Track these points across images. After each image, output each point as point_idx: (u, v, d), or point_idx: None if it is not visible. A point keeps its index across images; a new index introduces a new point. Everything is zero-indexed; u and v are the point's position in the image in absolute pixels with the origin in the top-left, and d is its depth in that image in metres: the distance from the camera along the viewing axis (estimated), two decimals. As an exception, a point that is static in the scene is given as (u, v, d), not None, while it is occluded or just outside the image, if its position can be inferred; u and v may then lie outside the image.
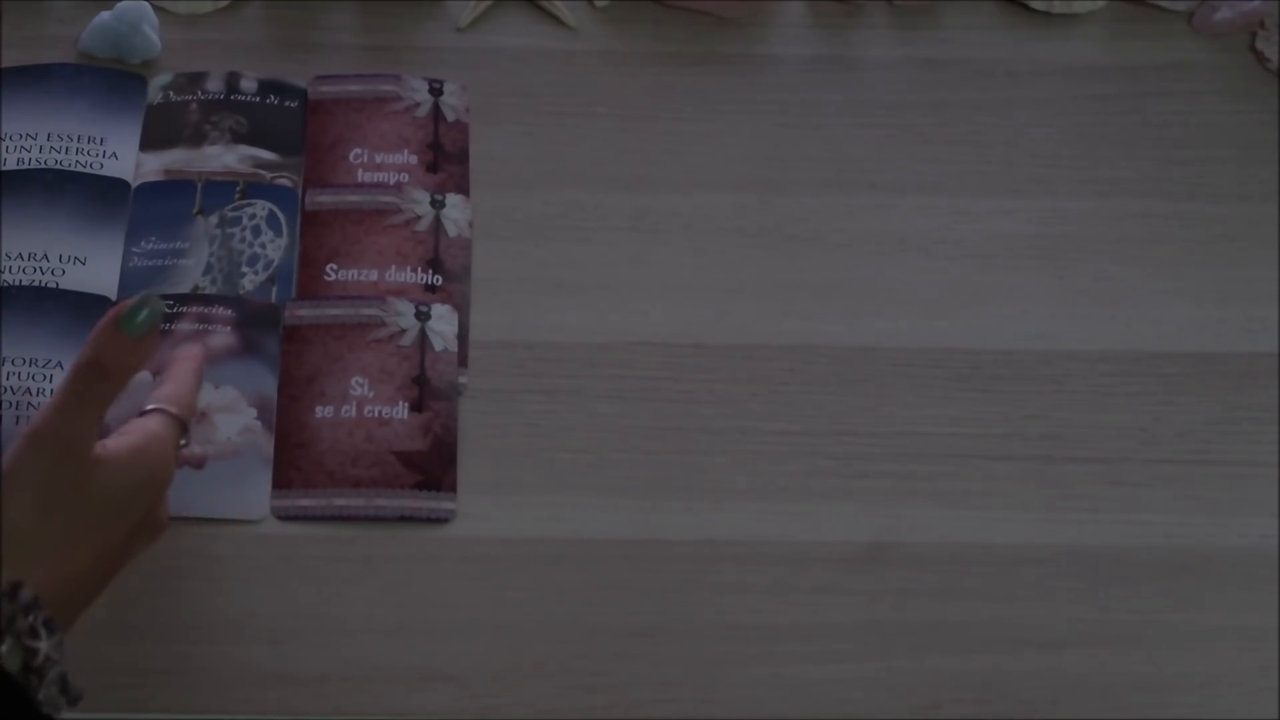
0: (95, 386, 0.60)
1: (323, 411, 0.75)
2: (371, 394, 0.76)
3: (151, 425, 0.64)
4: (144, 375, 0.75)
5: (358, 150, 0.84)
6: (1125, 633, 0.72)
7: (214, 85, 0.85)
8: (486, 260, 0.81)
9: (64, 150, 0.82)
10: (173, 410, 0.65)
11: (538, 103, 0.87)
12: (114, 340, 0.60)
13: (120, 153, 0.83)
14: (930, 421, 0.77)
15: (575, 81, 0.88)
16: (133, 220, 0.80)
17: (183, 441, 0.66)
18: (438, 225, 0.81)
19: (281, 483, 0.74)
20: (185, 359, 0.69)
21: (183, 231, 0.80)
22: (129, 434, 0.63)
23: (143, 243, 0.80)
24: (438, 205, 0.82)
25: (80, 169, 0.82)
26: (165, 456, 0.64)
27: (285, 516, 0.73)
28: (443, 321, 0.78)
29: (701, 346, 0.79)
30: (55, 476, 0.59)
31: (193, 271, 0.79)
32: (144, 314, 0.61)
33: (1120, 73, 0.90)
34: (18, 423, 0.74)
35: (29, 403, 0.74)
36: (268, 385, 0.76)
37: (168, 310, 0.77)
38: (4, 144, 0.82)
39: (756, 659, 0.71)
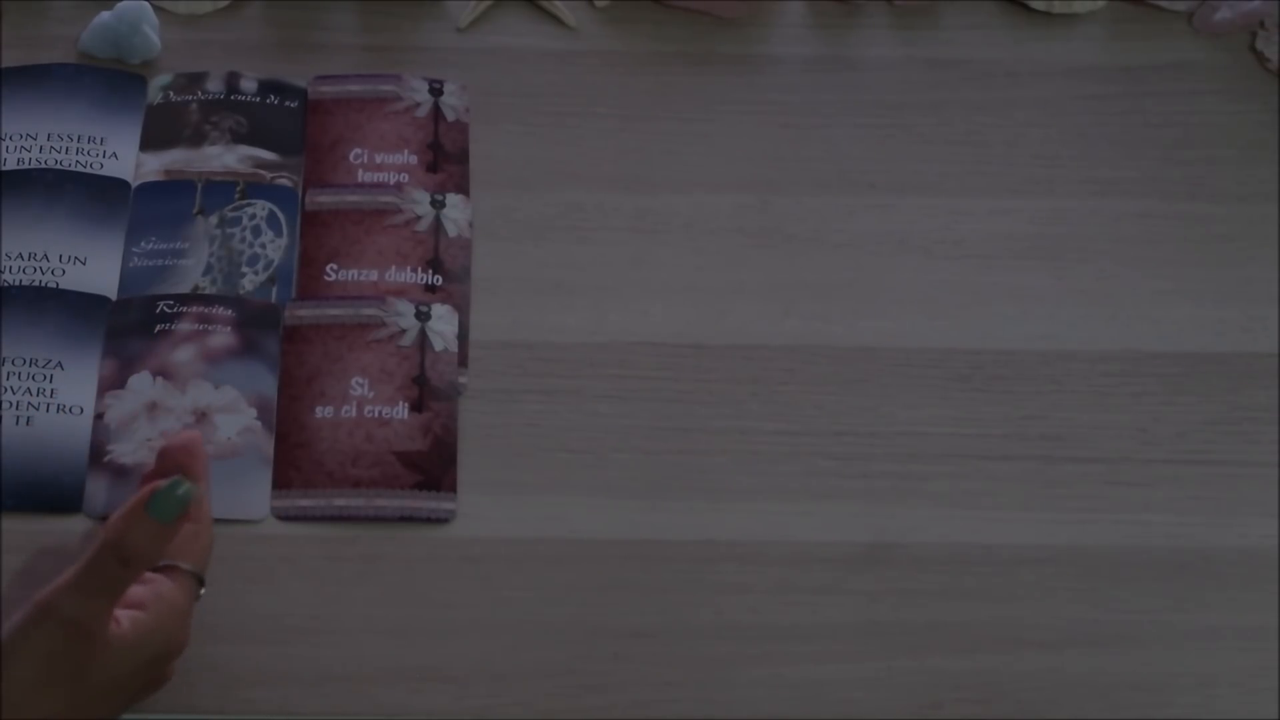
0: (116, 572, 0.58)
1: (323, 411, 0.75)
2: (371, 394, 0.76)
3: (168, 595, 0.62)
4: (144, 375, 0.75)
5: (358, 150, 0.84)
6: (1125, 633, 0.72)
7: (214, 85, 0.85)
8: (486, 260, 0.81)
9: (64, 150, 0.82)
10: (187, 566, 0.64)
11: (538, 103, 0.87)
12: (141, 525, 0.59)
13: (120, 153, 0.83)
14: (930, 421, 0.77)
15: (575, 81, 0.88)
16: (133, 220, 0.80)
17: (201, 591, 0.65)
18: (438, 225, 0.81)
19: (281, 483, 0.74)
20: (191, 464, 0.66)
21: (183, 231, 0.80)
22: (144, 607, 0.61)
23: (143, 243, 0.80)
24: (438, 205, 0.82)
25: (80, 169, 0.82)
26: (180, 630, 0.62)
27: (285, 516, 0.73)
28: (443, 321, 0.78)
29: (701, 346, 0.79)
30: (61, 654, 0.58)
31: (193, 271, 0.79)
32: (175, 502, 0.59)
33: (1120, 73, 0.90)
34: (17, 423, 0.74)
35: (29, 403, 0.74)
36: (268, 385, 0.76)
37: (168, 310, 0.77)
38: (4, 144, 0.82)
39: (756, 659, 0.71)
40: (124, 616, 0.60)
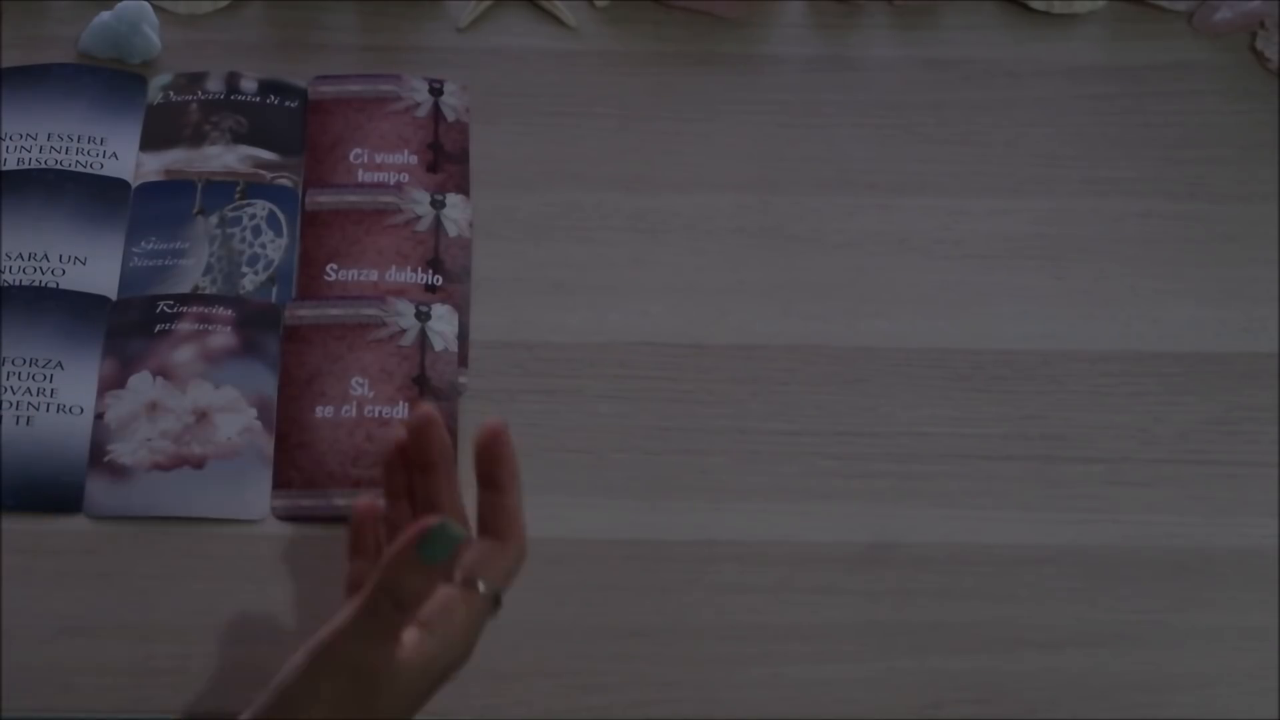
0: (391, 616, 0.57)
1: (323, 411, 0.75)
2: (371, 394, 0.76)
3: (457, 615, 0.60)
4: (144, 375, 0.75)
5: (358, 150, 0.84)
6: (1125, 633, 0.72)
7: (214, 85, 0.85)
8: (486, 260, 0.81)
9: (64, 150, 0.82)
10: (484, 586, 0.61)
11: (538, 103, 0.87)
12: (412, 569, 0.57)
13: (120, 153, 0.83)
14: (930, 421, 0.77)
15: (575, 81, 0.88)
16: (133, 220, 0.80)
17: (498, 610, 0.62)
18: (438, 225, 0.81)
19: (281, 483, 0.74)
20: (498, 471, 0.63)
21: (183, 231, 0.80)
22: (430, 626, 0.59)
23: (143, 243, 0.80)
24: (438, 205, 0.82)
25: (80, 169, 0.82)
26: (463, 651, 0.61)
27: (285, 516, 0.73)
28: (443, 321, 0.78)
29: (701, 346, 0.79)
30: (351, 697, 0.57)
31: (193, 271, 0.79)
32: (444, 544, 0.57)
33: (1120, 73, 0.90)
34: (17, 423, 0.74)
35: (29, 403, 0.74)
36: (268, 385, 0.76)
37: (168, 310, 0.77)
38: (4, 144, 0.82)
39: (756, 659, 0.71)
40: (407, 638, 0.59)
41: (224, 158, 0.83)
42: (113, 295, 0.78)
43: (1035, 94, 0.89)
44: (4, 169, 0.81)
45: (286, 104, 0.85)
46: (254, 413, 0.75)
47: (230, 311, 0.77)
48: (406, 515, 0.64)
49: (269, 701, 0.57)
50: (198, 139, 0.83)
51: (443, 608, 0.60)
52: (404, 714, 0.59)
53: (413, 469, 0.64)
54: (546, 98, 0.87)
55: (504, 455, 0.62)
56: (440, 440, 0.63)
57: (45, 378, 0.75)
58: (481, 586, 0.60)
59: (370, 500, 0.65)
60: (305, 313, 0.78)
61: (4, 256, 0.78)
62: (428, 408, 0.63)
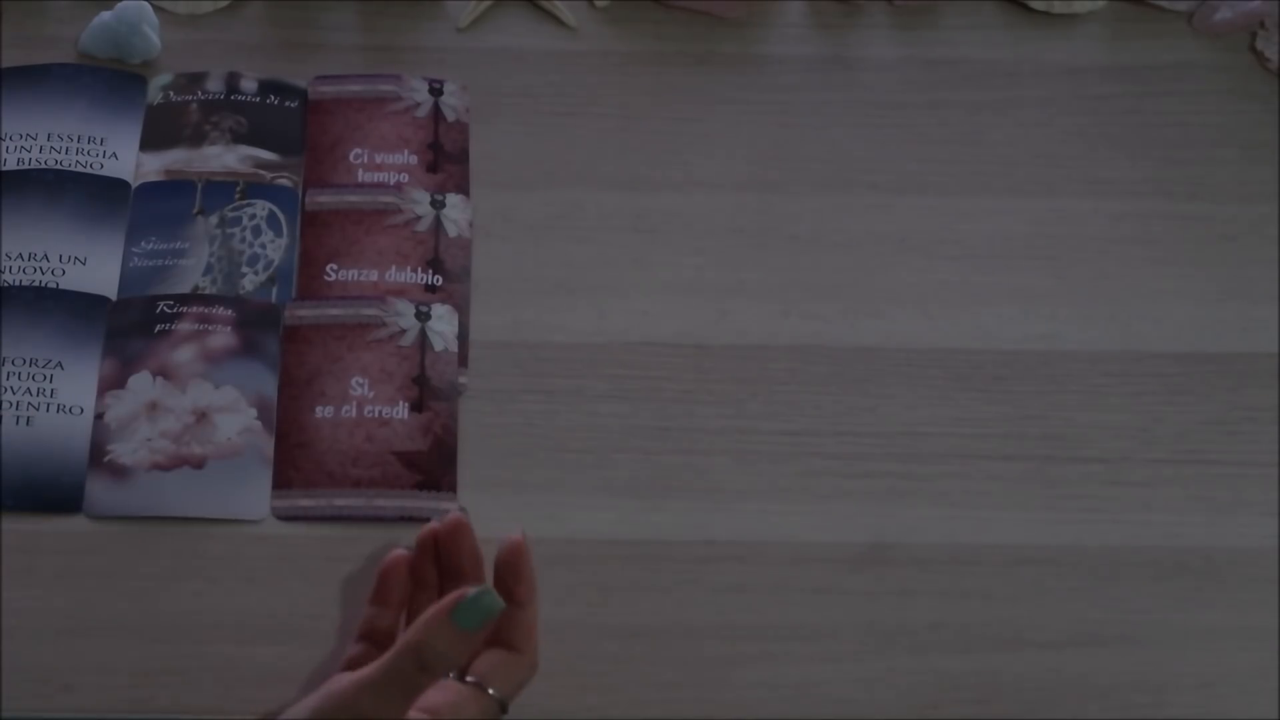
0: (414, 676, 0.58)
1: (323, 411, 0.75)
2: (371, 394, 0.76)
3: (467, 713, 0.61)
4: (144, 375, 0.75)
5: (358, 150, 0.84)
6: (1125, 633, 0.72)
7: (214, 85, 0.85)
8: (486, 260, 0.81)
9: (64, 150, 0.82)
10: (493, 692, 0.63)
11: (538, 103, 0.87)
12: (445, 631, 0.58)
13: (120, 153, 0.83)
14: (930, 421, 0.77)
15: (575, 81, 0.88)
16: (133, 220, 0.80)
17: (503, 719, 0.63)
18: (438, 225, 0.81)
19: (281, 483, 0.74)
20: (516, 584, 0.65)
21: (183, 231, 0.80)
22: (438, 713, 0.60)
23: (143, 243, 0.80)
24: (438, 205, 0.82)
25: (80, 169, 0.82)
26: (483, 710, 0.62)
27: (285, 516, 0.73)
28: (443, 321, 0.78)
29: (701, 346, 0.79)
30: None
31: (193, 272, 0.79)
32: (481, 611, 0.58)
33: (1120, 73, 0.90)
34: (17, 423, 0.74)
35: (29, 403, 0.74)
36: (268, 385, 0.76)
37: (168, 310, 0.77)
38: (4, 144, 0.82)
39: (756, 659, 0.71)
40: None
41: (224, 158, 0.83)
42: (113, 295, 0.78)
43: (1035, 94, 0.89)
44: (4, 169, 0.81)
45: (286, 104, 0.85)
46: (254, 413, 0.75)
47: (230, 311, 0.77)
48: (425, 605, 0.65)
49: None
50: (198, 139, 0.83)
51: (453, 704, 0.61)
52: None
53: (441, 571, 0.67)
54: (546, 98, 0.87)
55: (523, 571, 0.65)
56: (470, 548, 0.67)
57: (45, 378, 0.75)
58: (492, 691, 0.62)
59: (402, 552, 0.67)
60: (305, 313, 0.78)
61: (4, 256, 0.78)
62: (459, 515, 0.66)
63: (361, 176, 0.83)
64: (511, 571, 0.65)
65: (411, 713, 0.60)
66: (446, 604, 0.59)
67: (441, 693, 0.62)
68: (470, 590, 0.59)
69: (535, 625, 0.66)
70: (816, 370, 0.79)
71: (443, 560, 0.67)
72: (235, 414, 0.75)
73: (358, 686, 0.58)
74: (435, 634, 0.58)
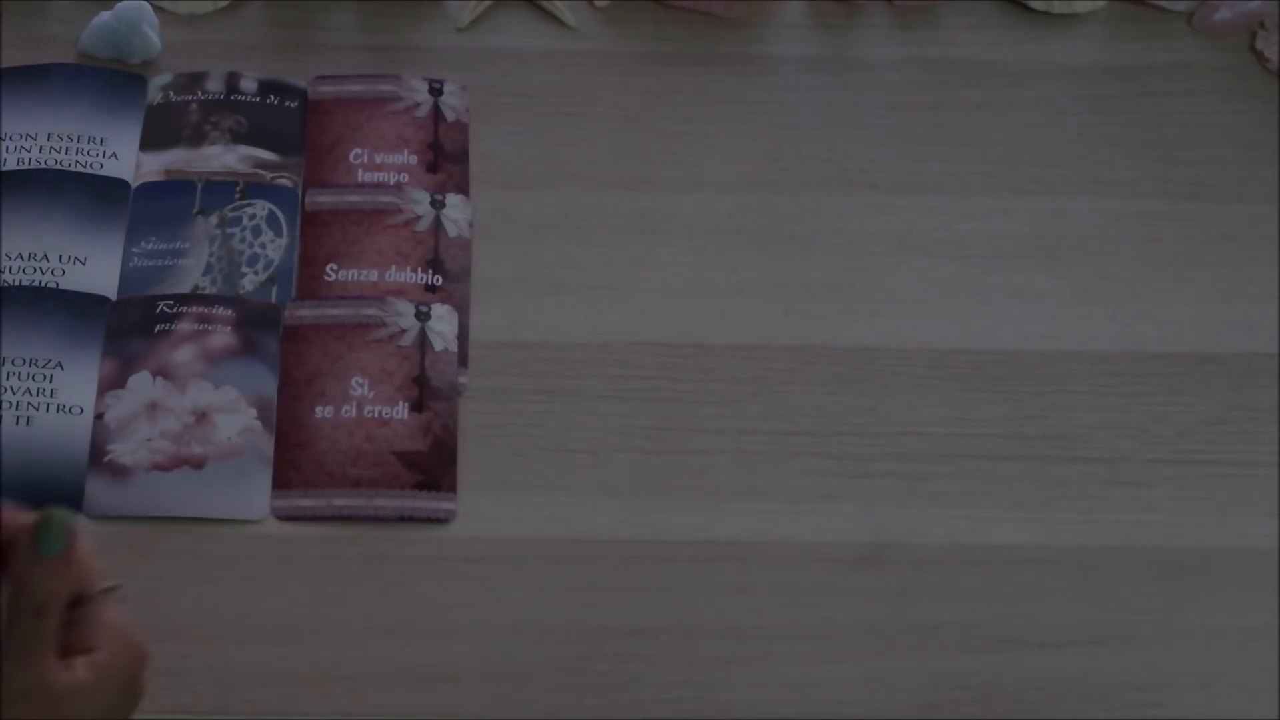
0: (35, 625, 0.57)
1: (323, 411, 0.75)
2: (371, 394, 0.76)
3: (106, 622, 0.60)
4: (144, 375, 0.75)
5: (358, 150, 0.84)
6: (1125, 633, 0.72)
7: (214, 85, 0.85)
8: (486, 260, 0.81)
9: (64, 150, 0.82)
10: (98, 589, 0.60)
11: (538, 103, 0.87)
12: (37, 569, 0.57)
13: (120, 153, 0.83)
14: (930, 421, 0.77)
15: (575, 81, 0.88)
16: (133, 220, 0.80)
17: (121, 593, 0.61)
18: (438, 225, 0.81)
19: (281, 483, 0.74)
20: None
21: (183, 231, 0.80)
22: (93, 648, 0.59)
23: (143, 243, 0.80)
24: (438, 205, 0.82)
25: (80, 169, 0.82)
26: (132, 647, 0.60)
27: (285, 516, 0.73)
28: (443, 321, 0.78)
29: (701, 346, 0.79)
30: None
31: (193, 271, 0.79)
32: (55, 531, 0.57)
33: (1120, 73, 0.90)
34: (17, 423, 0.74)
35: (29, 403, 0.74)
36: (268, 385, 0.76)
37: (168, 310, 0.77)
38: (4, 144, 0.82)
39: (756, 659, 0.71)
40: (79, 663, 0.59)
41: (224, 158, 0.83)
42: (113, 295, 0.78)
43: (1035, 94, 0.89)
44: (4, 169, 0.81)
45: (286, 104, 0.85)
46: (254, 413, 0.75)
47: (230, 311, 0.77)
48: None
49: None
50: (198, 139, 0.83)
51: (90, 627, 0.59)
52: None
53: None
54: (546, 98, 0.87)
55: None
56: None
57: (45, 378, 0.75)
58: (96, 589, 0.60)
59: None
60: (305, 313, 0.78)
61: (4, 256, 0.78)
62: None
63: (361, 176, 0.83)
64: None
65: (73, 660, 0.58)
66: (24, 545, 0.57)
67: (75, 630, 0.59)
68: (34, 519, 0.57)
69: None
70: (816, 370, 0.79)
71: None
72: (235, 414, 0.75)
73: (2, 666, 0.57)
74: (31, 575, 0.57)
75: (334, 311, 0.78)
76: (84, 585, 0.60)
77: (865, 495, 0.75)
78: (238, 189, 0.82)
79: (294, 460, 0.74)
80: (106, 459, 0.73)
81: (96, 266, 0.79)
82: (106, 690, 0.59)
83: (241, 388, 0.75)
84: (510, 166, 0.84)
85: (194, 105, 0.84)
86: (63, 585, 0.58)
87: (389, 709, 0.69)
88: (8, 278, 0.78)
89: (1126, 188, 0.86)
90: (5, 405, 0.74)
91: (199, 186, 0.82)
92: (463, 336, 0.78)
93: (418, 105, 0.85)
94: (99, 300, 0.78)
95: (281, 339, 0.77)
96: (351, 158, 0.84)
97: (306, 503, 0.73)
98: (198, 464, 0.73)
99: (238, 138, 0.83)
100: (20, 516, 0.58)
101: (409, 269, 0.80)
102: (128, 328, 0.77)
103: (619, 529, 0.74)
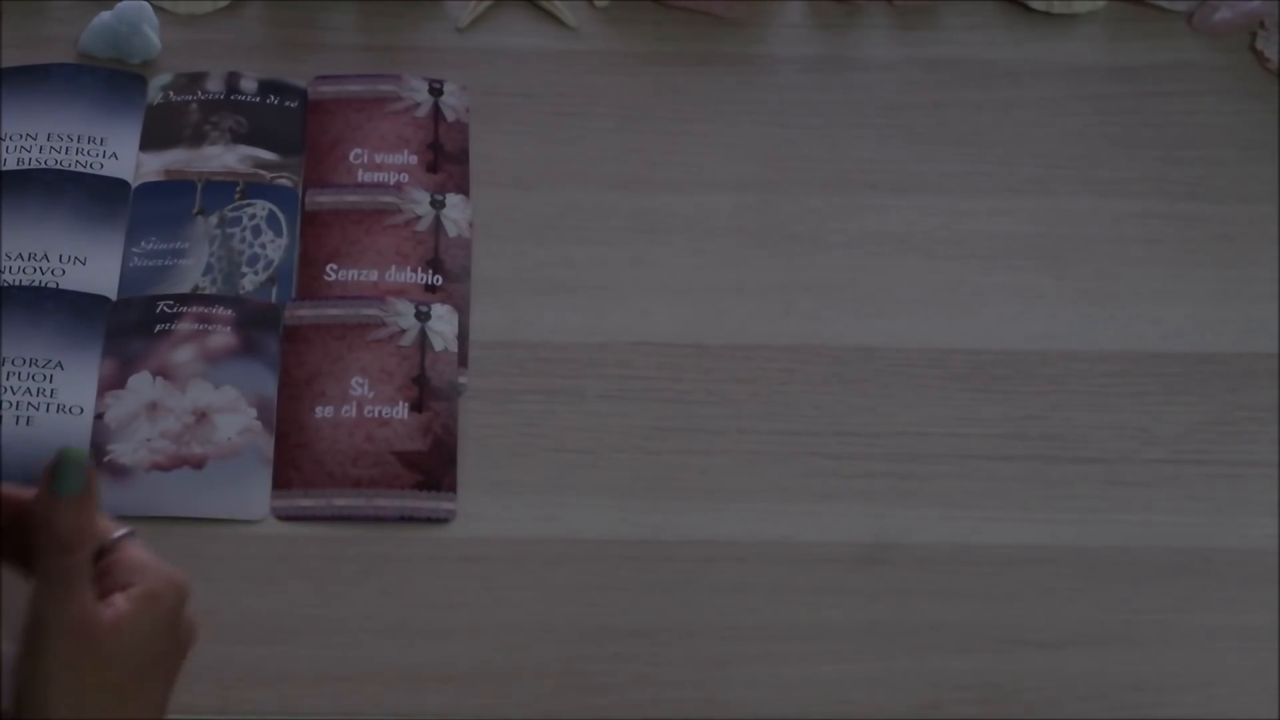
0: (65, 563, 0.57)
1: (323, 411, 0.75)
2: (371, 394, 0.76)
3: (134, 560, 0.60)
4: (144, 375, 0.75)
5: (358, 150, 0.84)
6: (1125, 633, 0.72)
7: (214, 85, 0.85)
8: (486, 260, 0.81)
9: (64, 150, 0.82)
10: (119, 533, 0.60)
11: (538, 103, 0.87)
12: (59, 509, 0.57)
13: (120, 153, 0.83)
14: (930, 421, 0.77)
15: (575, 81, 0.88)
16: (133, 220, 0.80)
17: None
18: (438, 225, 0.81)
19: (281, 483, 0.74)
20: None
21: (183, 231, 0.80)
22: (126, 581, 0.59)
23: (143, 243, 0.80)
24: (438, 205, 0.82)
25: (80, 169, 0.82)
26: (169, 576, 0.60)
27: (285, 516, 0.73)
28: (443, 321, 0.78)
29: (701, 346, 0.79)
30: (79, 660, 0.56)
31: (193, 271, 0.79)
32: (72, 469, 0.57)
33: (1120, 73, 0.90)
34: (17, 423, 0.74)
35: (29, 403, 0.74)
36: (268, 385, 0.76)
37: (168, 310, 0.77)
38: (4, 144, 0.82)
39: (756, 659, 0.71)
40: (117, 598, 0.58)
41: (224, 158, 0.83)
42: (113, 295, 0.78)
43: (1035, 94, 0.89)
44: (4, 169, 0.81)
45: (286, 104, 0.85)
46: (254, 413, 0.75)
47: (230, 311, 0.77)
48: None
49: (10, 690, 0.57)
50: (198, 139, 0.83)
51: (122, 567, 0.59)
52: (151, 663, 0.59)
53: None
54: (546, 98, 0.87)
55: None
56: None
57: (45, 378, 0.75)
58: (118, 534, 0.60)
59: None
60: (305, 313, 0.78)
61: (4, 256, 0.78)
62: None
63: (361, 176, 0.83)
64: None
65: (109, 599, 0.58)
66: (42, 489, 0.57)
67: (105, 575, 0.59)
68: (49, 462, 0.57)
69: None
70: (816, 370, 0.79)
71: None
72: (235, 414, 0.75)
73: (34, 607, 0.57)
74: (55, 516, 0.56)
75: (334, 311, 0.78)
76: (104, 535, 0.59)
77: (865, 495, 0.75)
78: (238, 189, 0.82)
79: (294, 460, 0.74)
80: (106, 459, 0.73)
81: (96, 266, 0.79)
82: (149, 620, 0.58)
83: (241, 388, 0.75)
84: (510, 166, 0.84)
85: (194, 105, 0.84)
86: (86, 521, 0.57)
87: (389, 709, 0.69)
88: (8, 278, 0.78)
89: (1126, 188, 0.86)
90: (5, 405, 0.74)
91: (199, 186, 0.82)
92: (463, 336, 0.78)
93: (418, 105, 0.86)
94: (99, 300, 0.78)
95: (281, 339, 0.77)
96: (351, 158, 0.84)
97: (306, 503, 0.73)
98: (198, 464, 0.73)
99: (238, 138, 0.83)
100: (23, 490, 0.58)
101: (409, 269, 0.80)
102: (128, 328, 0.77)
103: (619, 529, 0.74)
